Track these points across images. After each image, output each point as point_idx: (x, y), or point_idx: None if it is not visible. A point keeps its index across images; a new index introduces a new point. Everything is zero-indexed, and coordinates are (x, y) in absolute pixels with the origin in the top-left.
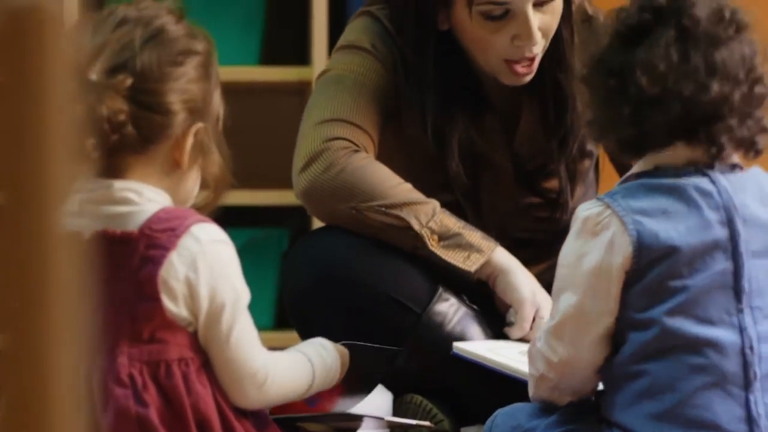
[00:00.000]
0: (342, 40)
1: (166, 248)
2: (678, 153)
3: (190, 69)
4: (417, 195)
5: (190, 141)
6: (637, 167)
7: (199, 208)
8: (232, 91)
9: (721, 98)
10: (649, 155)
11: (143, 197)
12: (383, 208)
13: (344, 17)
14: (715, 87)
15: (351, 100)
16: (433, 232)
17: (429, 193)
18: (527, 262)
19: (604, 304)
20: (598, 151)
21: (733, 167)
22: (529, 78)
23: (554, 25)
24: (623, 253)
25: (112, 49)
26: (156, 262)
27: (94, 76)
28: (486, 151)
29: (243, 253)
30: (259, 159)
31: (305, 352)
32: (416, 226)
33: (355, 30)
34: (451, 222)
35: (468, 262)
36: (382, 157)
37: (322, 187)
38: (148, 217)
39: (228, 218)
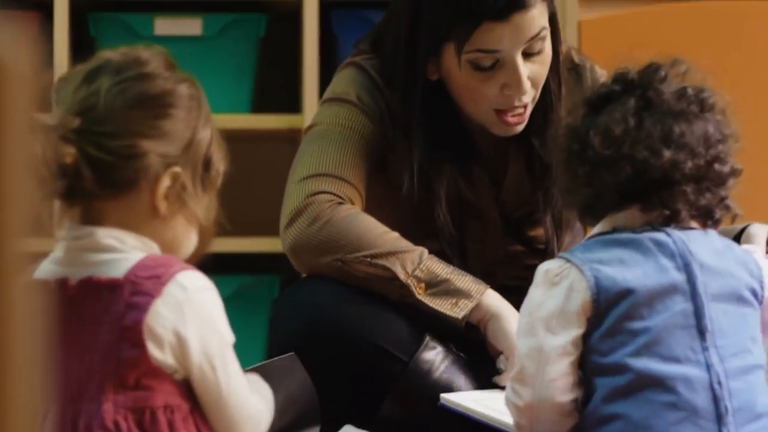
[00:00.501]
0: (328, 92)
1: (151, 295)
2: (634, 216)
3: (163, 111)
4: (404, 243)
5: (164, 185)
6: (596, 229)
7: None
8: (223, 139)
9: (672, 164)
10: (607, 218)
11: (126, 244)
12: (368, 259)
13: (335, 65)
14: (667, 153)
15: (336, 155)
16: (419, 280)
17: (416, 242)
18: (516, 310)
19: (563, 342)
20: None
21: (690, 229)
22: (520, 128)
23: (543, 75)
24: (582, 297)
25: (80, 95)
26: (141, 309)
27: (51, 121)
28: (473, 200)
29: (234, 300)
30: (251, 206)
31: (259, 390)
32: (402, 276)
33: (342, 82)
34: (439, 268)
35: (456, 309)
36: (368, 206)
37: (308, 240)
38: (133, 264)
39: (219, 265)
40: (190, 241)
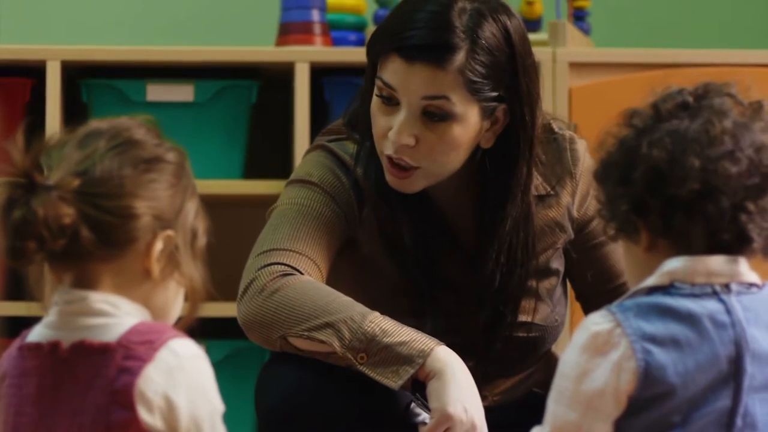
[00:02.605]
0: (293, 175)
1: (143, 360)
2: (696, 266)
3: (156, 176)
4: (346, 309)
5: (158, 248)
6: (651, 280)
7: (176, 321)
8: (216, 204)
9: None
10: (668, 263)
11: (120, 310)
12: (305, 333)
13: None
14: None
15: (290, 230)
16: (357, 350)
17: (394, 318)
18: (495, 378)
19: (604, 427)
20: (563, 268)
21: (751, 286)
22: (404, 188)
23: (438, 149)
24: (628, 378)
25: (75, 158)
26: (133, 373)
27: (50, 182)
28: (444, 271)
29: (225, 364)
30: (242, 271)
31: None
32: (338, 349)
33: (306, 165)
34: (382, 333)
35: (395, 378)
36: (343, 287)
37: (254, 315)
38: (126, 329)
39: (210, 330)
40: (178, 306)
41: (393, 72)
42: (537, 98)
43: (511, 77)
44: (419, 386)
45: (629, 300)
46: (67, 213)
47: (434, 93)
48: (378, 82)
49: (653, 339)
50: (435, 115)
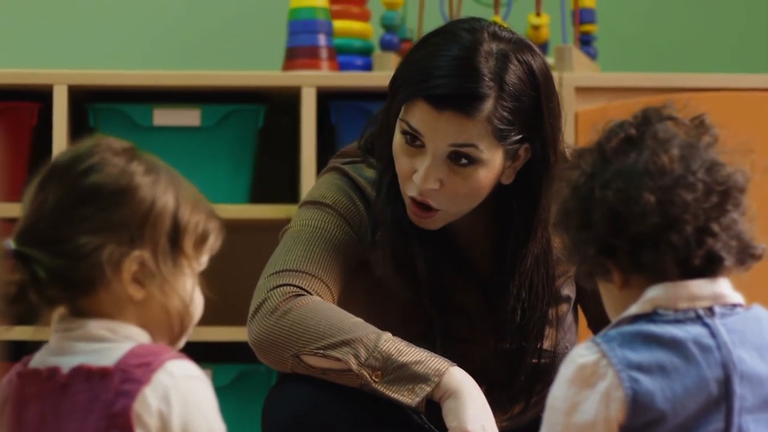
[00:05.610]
0: (307, 196)
1: (140, 382)
2: (678, 291)
3: (112, 201)
4: (360, 328)
5: (130, 270)
6: (633, 309)
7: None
8: (222, 228)
9: (729, 185)
10: (649, 291)
11: (118, 334)
12: (321, 351)
13: (333, 155)
14: (726, 170)
15: (303, 252)
16: (373, 369)
17: (407, 341)
18: (503, 405)
19: None
20: (575, 295)
21: (734, 306)
22: (426, 226)
23: (464, 191)
24: (617, 407)
25: (27, 211)
26: (130, 396)
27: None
28: (457, 296)
29: (233, 388)
30: (249, 294)
31: None
32: (354, 366)
33: (320, 186)
34: (397, 352)
35: (412, 395)
36: (355, 307)
37: (267, 335)
38: (124, 353)
39: (218, 353)
40: (183, 308)
41: (420, 119)
42: (559, 134)
43: (535, 119)
44: (428, 406)
45: (613, 330)
46: (12, 281)
47: (463, 141)
48: (403, 125)
49: (639, 367)
50: (461, 160)
